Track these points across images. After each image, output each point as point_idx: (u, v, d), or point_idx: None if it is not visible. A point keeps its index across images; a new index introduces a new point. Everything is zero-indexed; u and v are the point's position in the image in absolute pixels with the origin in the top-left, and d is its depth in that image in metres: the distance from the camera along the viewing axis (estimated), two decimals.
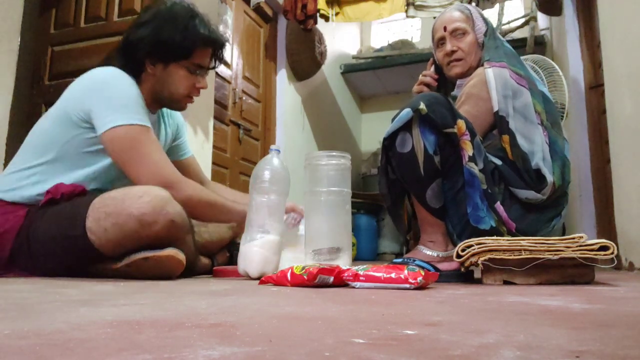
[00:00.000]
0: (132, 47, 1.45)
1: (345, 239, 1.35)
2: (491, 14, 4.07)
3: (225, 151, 3.51)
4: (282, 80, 4.24)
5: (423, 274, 1.02)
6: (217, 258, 1.68)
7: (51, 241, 1.27)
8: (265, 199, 1.36)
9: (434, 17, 3.59)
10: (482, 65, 1.51)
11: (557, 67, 3.03)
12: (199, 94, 1.56)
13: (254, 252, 1.32)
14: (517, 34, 4.47)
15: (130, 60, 1.46)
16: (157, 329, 0.49)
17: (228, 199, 1.54)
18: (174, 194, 1.30)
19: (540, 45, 4.39)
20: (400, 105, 1.38)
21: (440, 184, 1.36)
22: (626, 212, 2.23)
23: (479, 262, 1.20)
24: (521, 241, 1.19)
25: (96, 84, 1.39)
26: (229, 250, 1.75)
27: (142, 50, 1.44)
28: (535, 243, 1.18)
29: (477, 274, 1.37)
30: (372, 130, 5.91)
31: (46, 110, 1.63)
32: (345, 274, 1.07)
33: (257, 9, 3.91)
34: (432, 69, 1.70)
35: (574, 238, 1.18)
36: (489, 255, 1.19)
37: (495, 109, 1.43)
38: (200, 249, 1.54)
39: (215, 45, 1.53)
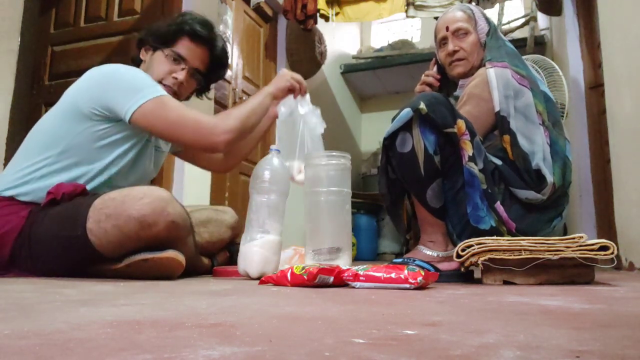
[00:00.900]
0: (137, 42, 1.57)
1: (345, 239, 1.35)
2: (491, 14, 4.07)
3: None
4: None
5: (423, 274, 1.02)
6: (217, 258, 1.68)
7: (52, 242, 1.27)
8: (265, 199, 1.36)
9: (434, 17, 3.61)
10: (484, 65, 1.51)
11: (557, 67, 3.04)
12: (178, 88, 1.53)
13: (254, 252, 1.32)
14: (517, 34, 4.47)
15: (135, 52, 1.57)
16: (157, 329, 0.49)
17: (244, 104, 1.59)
18: (223, 137, 1.39)
19: (540, 45, 4.39)
20: (400, 105, 1.38)
21: (440, 184, 1.36)
22: (626, 212, 2.23)
23: (479, 262, 1.20)
24: (521, 241, 1.19)
25: (109, 77, 1.41)
26: (229, 250, 1.75)
27: (140, 39, 1.56)
28: (535, 243, 1.18)
29: (477, 274, 1.37)
30: (372, 130, 5.91)
31: (46, 110, 1.64)
32: (345, 274, 1.07)
33: (257, 9, 3.91)
34: (435, 69, 1.70)
35: (574, 238, 1.18)
36: (489, 255, 1.19)
37: (497, 109, 1.43)
38: (200, 249, 1.54)
39: (209, 48, 1.55)
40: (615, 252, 1.14)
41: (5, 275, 1.30)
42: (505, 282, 1.20)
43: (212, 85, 1.70)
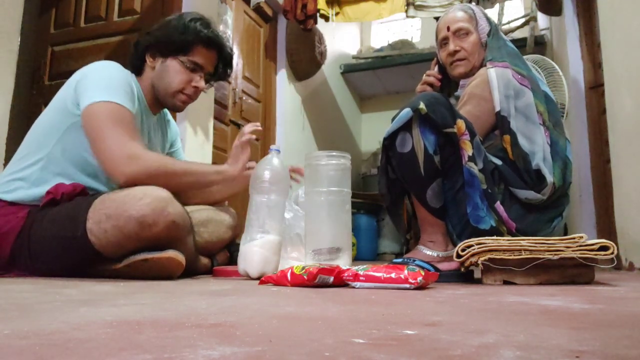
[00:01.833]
0: (137, 45, 1.53)
1: (345, 239, 1.35)
2: (491, 14, 4.07)
3: (226, 151, 3.51)
4: (282, 80, 4.24)
5: (423, 274, 1.02)
6: (217, 258, 1.68)
7: (51, 242, 1.27)
8: (265, 199, 1.36)
9: (434, 17, 3.61)
10: (485, 65, 1.51)
11: (557, 67, 3.03)
12: (196, 94, 1.55)
13: (254, 252, 1.32)
14: (517, 34, 4.46)
15: (135, 55, 1.52)
16: (157, 329, 0.49)
17: (195, 163, 1.54)
18: (133, 169, 1.28)
19: (540, 45, 4.39)
20: (400, 105, 1.38)
21: (440, 184, 1.36)
22: (626, 212, 2.23)
23: (479, 262, 1.20)
24: (521, 241, 1.18)
25: (88, 72, 1.41)
26: (229, 250, 1.75)
27: (144, 44, 1.51)
28: (535, 243, 1.18)
29: (477, 274, 1.37)
30: (372, 130, 5.91)
31: None
32: (345, 274, 1.07)
33: (257, 9, 3.91)
34: (436, 68, 1.70)
35: (574, 238, 1.18)
36: (489, 255, 1.19)
37: (497, 109, 1.43)
38: (200, 249, 1.54)
39: (218, 51, 1.54)
40: (615, 252, 1.14)
41: (5, 275, 1.30)
42: (505, 282, 1.20)
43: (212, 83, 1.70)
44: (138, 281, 1.19)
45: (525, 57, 2.86)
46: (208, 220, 1.64)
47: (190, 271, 1.42)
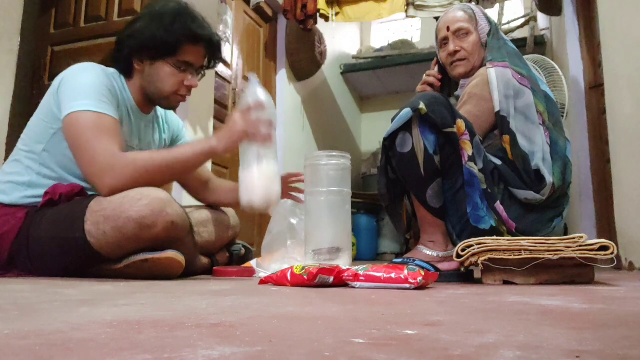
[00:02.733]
0: (121, 45, 1.45)
1: (345, 239, 1.35)
2: (491, 13, 4.07)
3: None
4: (282, 80, 4.24)
5: (423, 274, 1.02)
6: (217, 258, 1.68)
7: (50, 243, 1.27)
8: None
9: (434, 17, 3.61)
10: (485, 65, 1.51)
11: (557, 67, 3.03)
12: (190, 92, 1.50)
13: (255, 180, 1.33)
14: (517, 34, 4.47)
15: (120, 58, 1.45)
16: (157, 329, 0.49)
17: (178, 148, 1.48)
18: (108, 185, 1.25)
19: (540, 45, 4.39)
20: (400, 105, 1.38)
21: (440, 184, 1.36)
22: (626, 212, 2.22)
23: (479, 262, 1.20)
24: (521, 241, 1.18)
25: (66, 77, 1.37)
26: (229, 250, 1.75)
27: (129, 48, 1.43)
28: (535, 243, 1.18)
29: (477, 274, 1.37)
30: (372, 130, 5.91)
31: None
32: (345, 274, 1.07)
33: (257, 9, 3.91)
34: (436, 68, 1.70)
35: (573, 238, 1.17)
36: (489, 255, 1.19)
37: (497, 109, 1.43)
38: (200, 249, 1.54)
39: (206, 44, 1.47)
40: (615, 252, 1.14)
41: (5, 275, 1.30)
42: (505, 282, 1.20)
43: (213, 84, 1.69)
44: (138, 281, 1.19)
45: (525, 57, 2.87)
46: (208, 220, 1.63)
47: (190, 271, 1.42)
